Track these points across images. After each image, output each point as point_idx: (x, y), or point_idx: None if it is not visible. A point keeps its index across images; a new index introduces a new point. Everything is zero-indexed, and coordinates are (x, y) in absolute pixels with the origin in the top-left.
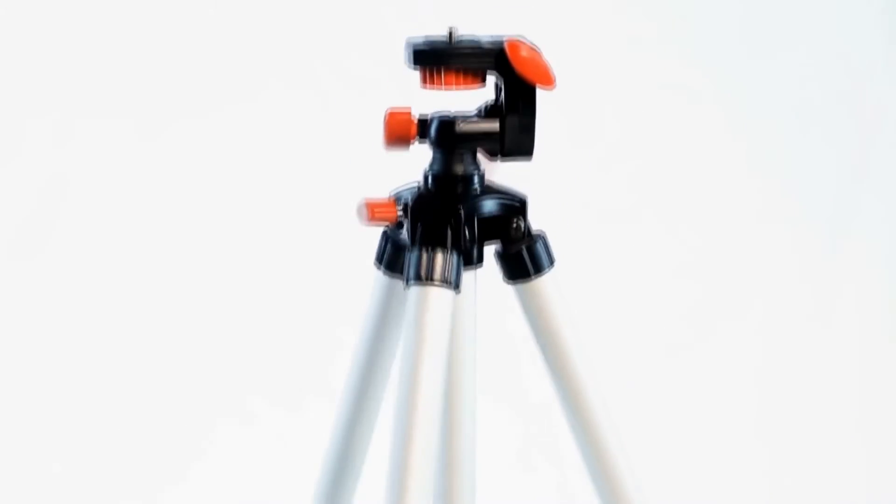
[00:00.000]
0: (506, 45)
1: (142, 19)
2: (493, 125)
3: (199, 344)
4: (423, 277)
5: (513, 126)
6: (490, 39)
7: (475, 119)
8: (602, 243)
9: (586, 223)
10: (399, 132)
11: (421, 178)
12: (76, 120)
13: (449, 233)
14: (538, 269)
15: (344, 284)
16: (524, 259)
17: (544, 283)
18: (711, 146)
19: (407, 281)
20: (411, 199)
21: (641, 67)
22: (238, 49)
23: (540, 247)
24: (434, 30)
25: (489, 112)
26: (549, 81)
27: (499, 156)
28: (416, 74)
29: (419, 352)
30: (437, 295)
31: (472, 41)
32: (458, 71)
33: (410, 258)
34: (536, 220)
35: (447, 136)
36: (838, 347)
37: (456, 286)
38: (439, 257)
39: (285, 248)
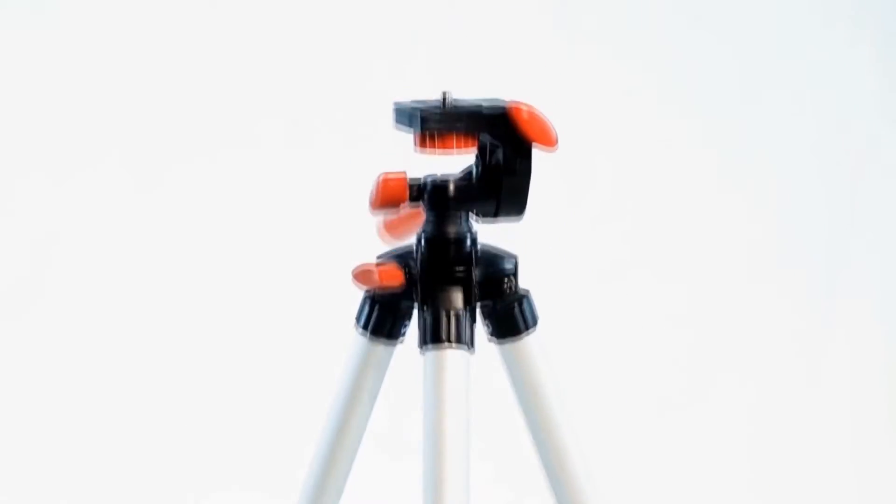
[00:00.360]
0: (508, 108)
1: (135, 76)
2: (488, 186)
3: (189, 400)
4: (442, 339)
5: (509, 187)
6: (486, 101)
7: (468, 181)
8: (594, 299)
9: (578, 278)
10: (392, 197)
11: (414, 241)
12: (70, 173)
13: (461, 294)
14: (526, 327)
15: (328, 344)
16: (514, 317)
17: (531, 341)
18: (703, 199)
19: (424, 343)
20: (418, 263)
21: (634, 121)
22: (229, 103)
23: (526, 305)
24: (422, 90)
25: (482, 173)
26: (551, 142)
27: (491, 216)
28: (398, 134)
29: (441, 413)
30: (455, 356)
31: (471, 104)
32: (458, 134)
33: (425, 321)
34: (529, 276)
35: (443, 200)
36: (832, 404)
37: (470, 345)
38: (453, 318)
39: (269, 299)
